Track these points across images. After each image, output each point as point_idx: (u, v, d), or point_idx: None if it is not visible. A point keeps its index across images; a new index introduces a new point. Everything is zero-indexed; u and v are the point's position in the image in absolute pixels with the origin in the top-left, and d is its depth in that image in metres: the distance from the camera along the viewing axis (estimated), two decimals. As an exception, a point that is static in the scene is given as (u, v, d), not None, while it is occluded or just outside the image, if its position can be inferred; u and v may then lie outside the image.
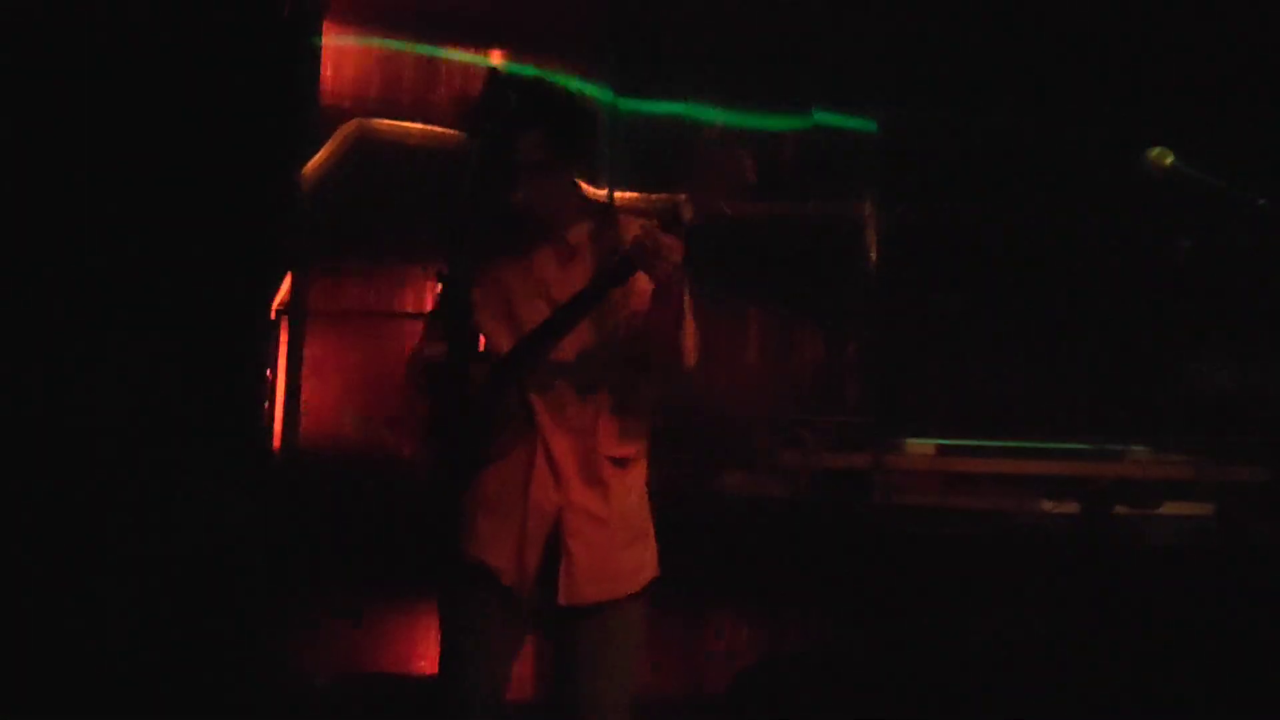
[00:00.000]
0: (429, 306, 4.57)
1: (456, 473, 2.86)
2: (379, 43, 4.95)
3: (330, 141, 4.84)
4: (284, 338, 4.69)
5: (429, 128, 4.97)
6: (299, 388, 4.58)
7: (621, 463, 2.89)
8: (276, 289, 4.66)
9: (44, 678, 3.58)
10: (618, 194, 5.18)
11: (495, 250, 2.86)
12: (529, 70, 5.06)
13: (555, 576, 2.79)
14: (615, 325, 2.84)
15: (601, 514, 2.83)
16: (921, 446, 2.95)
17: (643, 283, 2.75)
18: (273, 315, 4.72)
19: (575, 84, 5.16)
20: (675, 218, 2.63)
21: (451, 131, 4.94)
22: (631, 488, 2.91)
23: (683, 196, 2.64)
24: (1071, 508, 2.97)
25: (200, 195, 4.24)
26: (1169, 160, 2.74)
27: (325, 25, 4.83)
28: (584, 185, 3.02)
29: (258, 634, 4.47)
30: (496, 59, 5.09)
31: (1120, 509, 3.05)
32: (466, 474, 2.86)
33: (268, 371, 4.60)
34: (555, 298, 2.81)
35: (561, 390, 2.84)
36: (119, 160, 4.16)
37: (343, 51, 4.89)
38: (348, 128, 4.88)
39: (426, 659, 4.58)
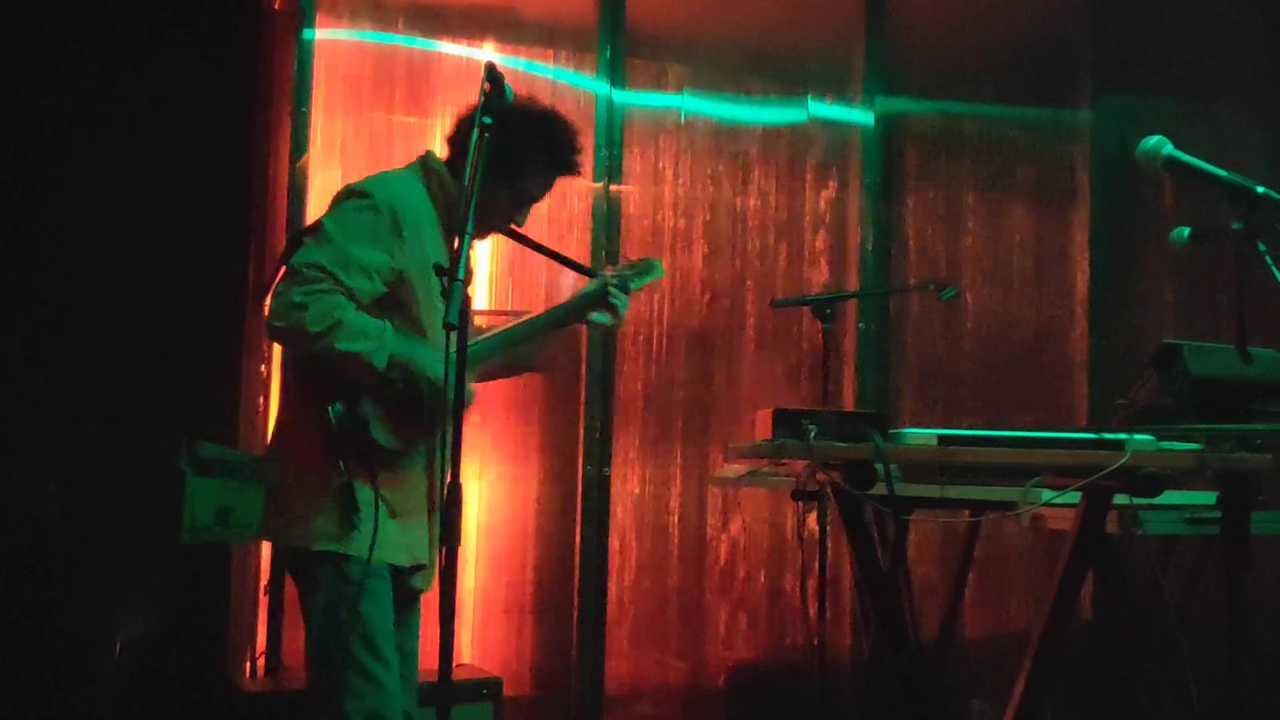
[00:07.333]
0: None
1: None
2: (372, 36, 4.93)
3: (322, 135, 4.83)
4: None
5: (422, 120, 4.95)
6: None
7: None
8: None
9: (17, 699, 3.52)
10: (612, 188, 5.17)
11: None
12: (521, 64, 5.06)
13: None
14: None
15: None
16: (922, 437, 2.93)
17: None
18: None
19: (569, 77, 5.16)
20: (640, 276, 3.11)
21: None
22: None
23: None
24: (1073, 497, 2.95)
25: (185, 192, 4.19)
26: (1166, 150, 2.74)
27: (318, 18, 4.82)
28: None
29: (245, 629, 4.46)
30: (490, 53, 5.07)
31: (1122, 498, 3.03)
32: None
33: (261, 368, 4.58)
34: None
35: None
36: (98, 158, 4.12)
37: (336, 45, 4.87)
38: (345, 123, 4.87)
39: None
